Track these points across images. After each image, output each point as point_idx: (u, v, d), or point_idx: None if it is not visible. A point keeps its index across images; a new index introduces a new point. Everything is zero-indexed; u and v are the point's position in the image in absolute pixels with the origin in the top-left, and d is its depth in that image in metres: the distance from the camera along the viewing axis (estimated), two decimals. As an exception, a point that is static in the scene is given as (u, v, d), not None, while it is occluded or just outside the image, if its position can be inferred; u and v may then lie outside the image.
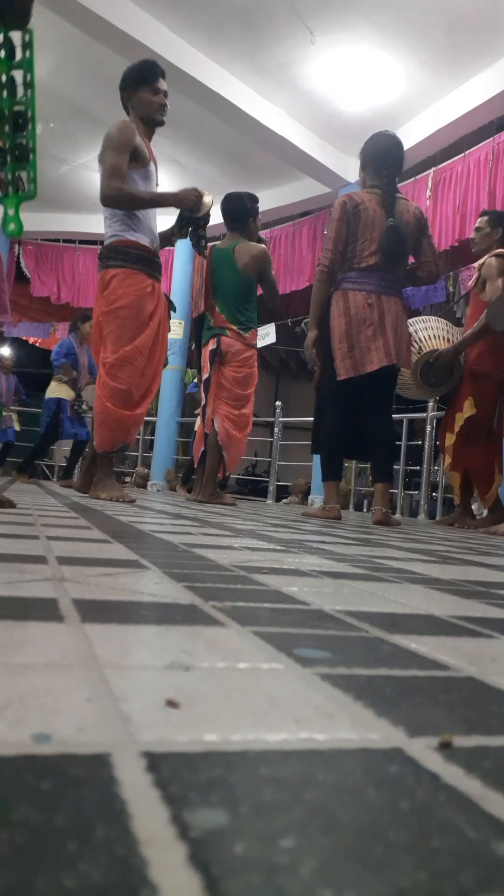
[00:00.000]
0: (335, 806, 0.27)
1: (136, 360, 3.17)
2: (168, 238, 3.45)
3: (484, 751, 0.35)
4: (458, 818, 0.27)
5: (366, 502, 9.81)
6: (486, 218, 3.85)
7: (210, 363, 4.04)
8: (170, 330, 3.50)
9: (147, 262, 3.21)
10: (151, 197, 3.16)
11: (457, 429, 3.81)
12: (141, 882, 0.21)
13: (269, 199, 7.92)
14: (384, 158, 3.25)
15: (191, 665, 0.46)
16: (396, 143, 3.31)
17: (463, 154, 6.40)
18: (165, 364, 3.49)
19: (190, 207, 3.23)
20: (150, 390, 3.33)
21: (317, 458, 4.16)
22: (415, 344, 3.85)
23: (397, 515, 6.45)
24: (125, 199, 3.10)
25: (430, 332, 3.94)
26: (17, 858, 0.22)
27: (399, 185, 7.20)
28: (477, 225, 3.88)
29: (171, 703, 0.38)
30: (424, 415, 5.88)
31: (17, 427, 8.55)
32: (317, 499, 6.48)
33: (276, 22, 5.42)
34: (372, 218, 3.14)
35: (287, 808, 0.27)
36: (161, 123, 3.32)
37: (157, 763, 0.30)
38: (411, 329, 3.87)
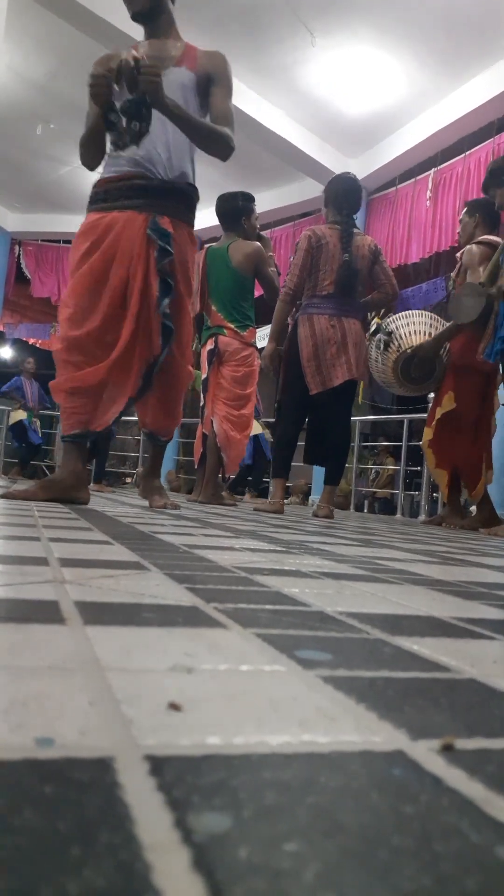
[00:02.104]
0: (338, 810, 0.27)
1: (63, 323, 2.49)
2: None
3: (486, 753, 0.35)
4: (461, 822, 0.27)
5: (366, 503, 9.83)
6: (464, 210, 4.01)
7: (208, 363, 4.04)
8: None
9: (103, 195, 2.54)
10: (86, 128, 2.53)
11: (433, 423, 3.84)
12: (145, 887, 0.21)
13: (270, 200, 7.93)
14: (343, 198, 3.68)
15: (193, 667, 0.46)
16: (356, 185, 3.76)
17: (463, 155, 6.41)
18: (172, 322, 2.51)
19: (105, 97, 2.35)
20: (100, 354, 2.45)
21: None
22: (394, 341, 3.91)
23: (398, 516, 6.46)
24: (81, 146, 2.57)
25: (410, 329, 3.96)
26: (20, 864, 0.22)
27: (400, 187, 7.20)
28: (460, 219, 4.05)
29: (174, 706, 0.38)
30: (424, 415, 5.88)
31: (38, 432, 8.50)
32: (317, 500, 6.48)
33: (277, 23, 5.42)
34: (332, 252, 3.55)
35: (290, 811, 0.27)
36: (133, 15, 2.64)
37: (159, 767, 0.30)
38: (392, 326, 3.94)
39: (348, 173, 3.85)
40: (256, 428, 6.50)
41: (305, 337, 3.54)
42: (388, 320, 4.08)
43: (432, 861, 0.24)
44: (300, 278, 3.55)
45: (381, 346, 3.96)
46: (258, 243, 4.10)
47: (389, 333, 3.99)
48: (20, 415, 8.19)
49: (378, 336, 3.98)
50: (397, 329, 3.97)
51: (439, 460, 3.94)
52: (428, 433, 3.94)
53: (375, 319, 4.06)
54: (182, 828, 0.25)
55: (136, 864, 0.22)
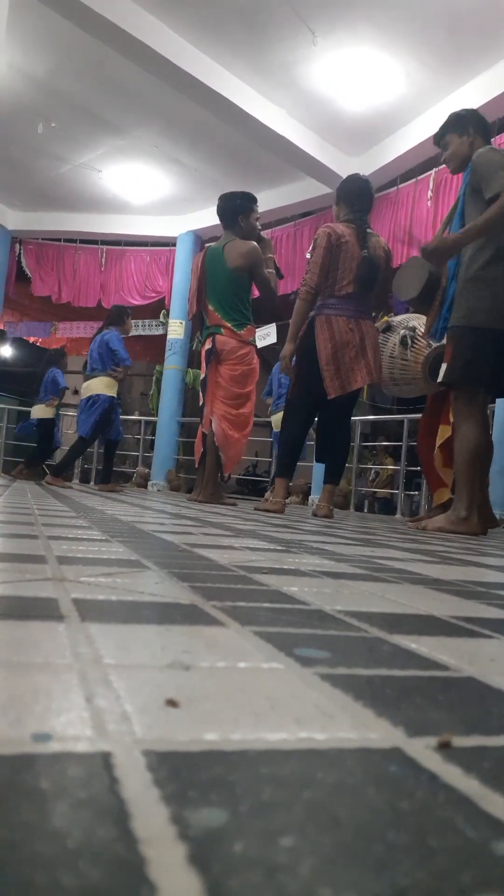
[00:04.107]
0: (335, 805, 0.27)
1: None
2: None
3: (483, 751, 0.35)
4: (456, 818, 0.27)
5: (366, 502, 9.83)
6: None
7: (206, 362, 4.04)
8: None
9: None
10: None
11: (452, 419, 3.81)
12: (141, 881, 0.21)
13: (271, 200, 7.92)
14: (356, 196, 3.66)
15: (191, 664, 0.46)
16: (368, 186, 3.76)
17: (464, 155, 6.39)
18: None
19: None
20: None
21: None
22: (420, 340, 3.88)
23: (398, 516, 6.47)
24: None
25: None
26: (16, 857, 0.22)
27: (401, 186, 7.19)
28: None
29: (171, 703, 0.38)
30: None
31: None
32: (317, 499, 6.47)
33: (278, 22, 5.42)
34: (351, 250, 3.52)
35: (287, 807, 0.27)
36: None
37: (157, 762, 0.30)
38: (413, 323, 3.93)
39: (359, 174, 3.85)
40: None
41: (324, 339, 3.49)
42: (400, 318, 4.06)
43: (428, 856, 0.24)
44: (320, 277, 3.50)
45: (409, 341, 3.94)
46: (254, 242, 4.08)
47: (413, 329, 3.96)
48: (50, 412, 7.44)
49: (402, 332, 3.96)
50: (417, 329, 3.96)
51: (447, 458, 3.93)
52: (445, 430, 3.87)
53: (384, 318, 4.05)
54: (179, 822, 0.25)
55: (131, 858, 0.22)
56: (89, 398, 5.82)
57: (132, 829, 0.24)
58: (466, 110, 3.25)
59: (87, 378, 5.90)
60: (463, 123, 3.14)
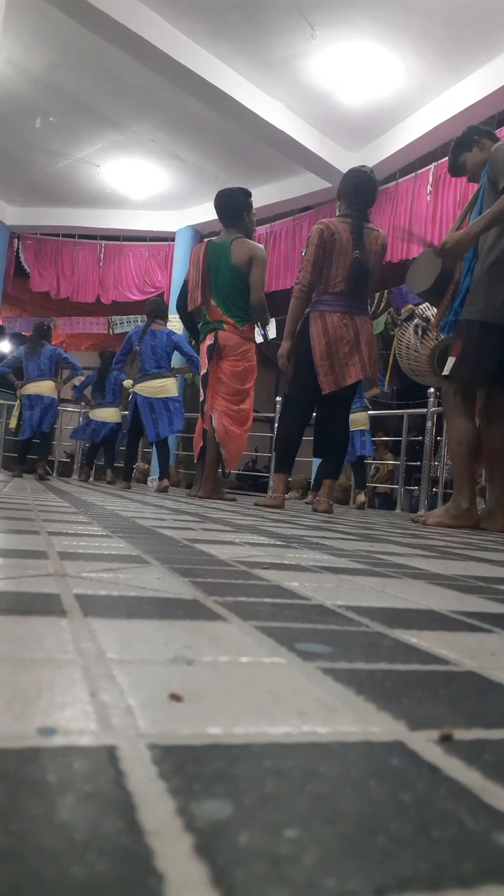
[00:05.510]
0: (337, 798, 0.28)
1: None
2: None
3: (484, 744, 0.35)
4: (458, 810, 0.27)
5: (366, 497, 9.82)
6: None
7: (208, 358, 4.04)
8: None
9: None
10: None
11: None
12: (148, 872, 0.21)
13: (270, 195, 7.91)
14: (354, 192, 3.62)
15: (193, 659, 0.47)
16: (369, 178, 3.69)
17: (463, 149, 6.37)
18: None
19: None
20: None
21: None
22: (431, 331, 3.87)
23: (397, 510, 6.47)
24: None
25: None
26: (24, 850, 0.22)
27: (400, 181, 7.18)
28: None
29: (175, 697, 0.38)
30: (424, 410, 5.88)
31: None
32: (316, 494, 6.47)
33: (277, 16, 5.40)
34: (345, 247, 3.52)
35: (290, 799, 0.27)
36: None
37: (161, 756, 0.30)
38: (429, 313, 3.91)
39: (363, 167, 3.80)
40: (363, 422, 6.37)
41: (318, 335, 3.50)
42: (422, 307, 4.05)
43: (430, 847, 0.24)
44: (313, 274, 3.51)
45: (420, 331, 3.93)
46: (262, 246, 4.12)
47: (427, 320, 3.94)
48: (119, 415, 7.15)
49: (416, 322, 3.96)
50: (432, 318, 3.95)
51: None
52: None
53: (409, 306, 4.03)
54: (184, 815, 0.25)
55: (138, 850, 0.22)
56: (166, 399, 5.61)
57: (139, 821, 0.24)
58: (462, 131, 3.28)
59: (150, 377, 5.60)
60: (467, 140, 3.20)
